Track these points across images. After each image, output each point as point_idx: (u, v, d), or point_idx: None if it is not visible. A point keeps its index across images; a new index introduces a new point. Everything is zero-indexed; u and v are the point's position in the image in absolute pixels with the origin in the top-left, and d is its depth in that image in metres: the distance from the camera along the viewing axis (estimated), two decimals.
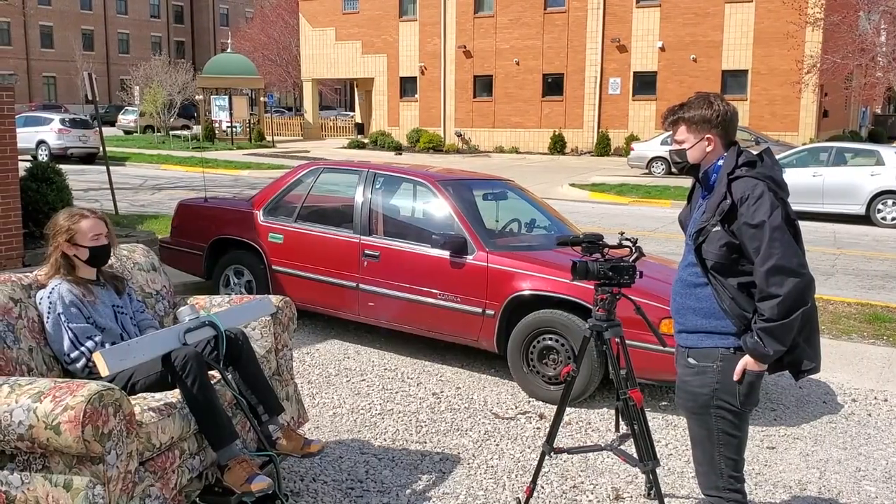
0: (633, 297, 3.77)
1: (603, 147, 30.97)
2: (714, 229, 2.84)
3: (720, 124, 2.94)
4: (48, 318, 3.42)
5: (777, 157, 2.97)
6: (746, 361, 2.83)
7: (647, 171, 24.00)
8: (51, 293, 3.43)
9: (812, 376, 5.90)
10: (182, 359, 3.24)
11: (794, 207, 2.90)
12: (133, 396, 3.23)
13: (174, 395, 3.28)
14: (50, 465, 2.85)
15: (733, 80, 29.53)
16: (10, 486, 2.91)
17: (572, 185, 20.72)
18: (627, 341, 3.73)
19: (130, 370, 3.39)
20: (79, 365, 3.42)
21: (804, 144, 21.09)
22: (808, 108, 28.39)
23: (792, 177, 13.12)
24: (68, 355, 3.43)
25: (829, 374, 6.07)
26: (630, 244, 3.54)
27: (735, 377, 2.85)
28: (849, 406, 5.58)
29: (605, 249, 3.53)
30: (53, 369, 3.43)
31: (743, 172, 2.84)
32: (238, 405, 3.53)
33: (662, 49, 30.74)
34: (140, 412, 3.07)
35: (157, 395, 3.28)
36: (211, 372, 3.43)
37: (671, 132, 3.07)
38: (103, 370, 2.96)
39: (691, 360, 2.96)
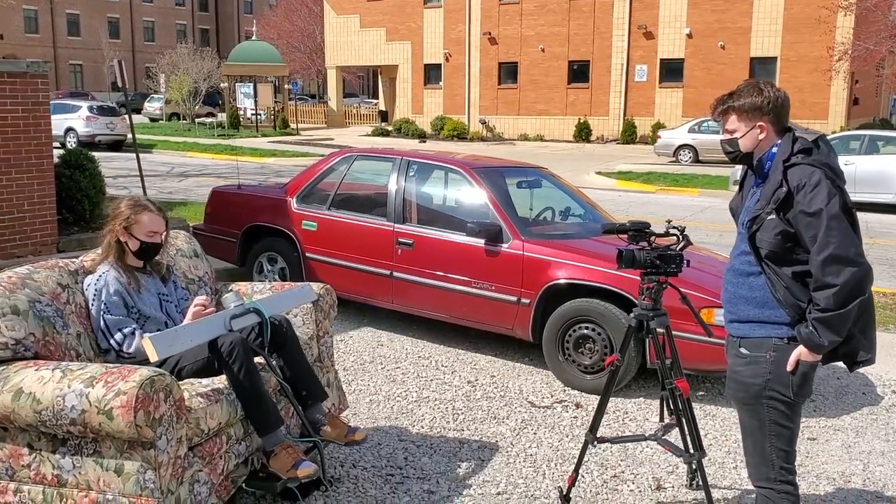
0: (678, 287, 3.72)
1: (629, 135, 30.74)
2: (769, 217, 2.79)
3: (772, 111, 2.88)
4: (93, 304, 3.44)
5: None
6: (800, 352, 2.79)
7: (674, 158, 23.81)
8: (98, 280, 3.44)
9: None
10: (228, 345, 3.25)
11: None
12: (180, 382, 3.24)
13: (220, 381, 3.30)
14: (101, 450, 2.88)
15: (762, 67, 29.12)
16: (62, 469, 2.93)
17: (598, 173, 20.59)
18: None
19: (177, 356, 3.40)
20: (110, 357, 3.43)
21: (833, 133, 20.80)
22: (839, 95, 27.98)
23: None
24: (102, 341, 3.44)
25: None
26: (678, 232, 3.50)
27: (788, 368, 2.81)
28: (889, 398, 5.50)
29: (653, 238, 3.49)
30: (100, 354, 3.45)
31: (799, 160, 2.78)
32: (283, 391, 3.54)
33: (690, 36, 30.40)
34: (189, 398, 3.08)
35: (205, 381, 3.29)
36: (256, 358, 3.44)
37: (721, 122, 3.01)
38: (152, 355, 2.97)
39: (743, 350, 2.91)
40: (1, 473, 3.02)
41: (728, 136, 2.96)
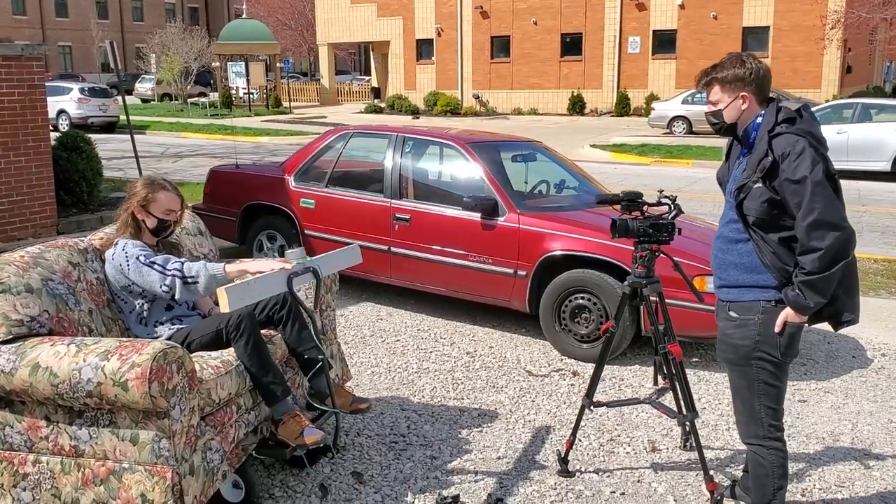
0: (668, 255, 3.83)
1: (622, 107, 30.75)
2: (755, 186, 2.89)
3: (753, 81, 2.98)
4: (128, 268, 3.46)
5: None
6: (787, 314, 2.91)
7: (668, 130, 23.86)
8: (124, 246, 3.49)
9: (841, 331, 5.98)
10: (236, 318, 3.36)
11: None
12: (191, 355, 3.34)
13: (229, 354, 3.41)
14: (117, 421, 2.99)
15: (754, 37, 29.11)
16: (79, 440, 3.05)
17: (593, 145, 20.65)
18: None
19: (187, 329, 3.51)
20: (177, 287, 3.40)
21: (826, 102, 20.85)
22: (832, 64, 27.98)
23: None
24: (163, 285, 3.41)
25: (858, 329, 6.12)
26: (669, 202, 3.60)
27: (776, 329, 2.93)
28: (878, 360, 5.64)
29: (645, 207, 3.59)
30: (112, 330, 3.55)
31: (783, 129, 2.88)
32: (318, 350, 3.62)
33: (682, 6, 30.33)
34: (200, 370, 3.19)
35: (214, 354, 3.40)
36: (263, 331, 3.55)
37: (706, 93, 3.10)
38: (224, 306, 3.10)
39: (733, 314, 3.03)
40: (20, 445, 3.14)
41: (712, 108, 3.06)
